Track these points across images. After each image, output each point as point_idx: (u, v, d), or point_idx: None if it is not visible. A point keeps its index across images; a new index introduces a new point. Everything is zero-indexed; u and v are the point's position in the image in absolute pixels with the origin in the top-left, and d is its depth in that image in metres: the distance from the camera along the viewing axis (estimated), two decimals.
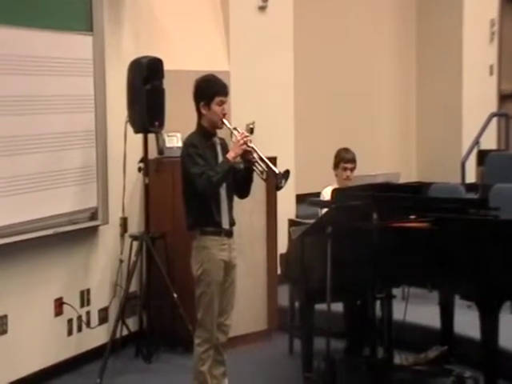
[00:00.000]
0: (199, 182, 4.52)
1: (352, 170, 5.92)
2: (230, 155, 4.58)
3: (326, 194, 5.77)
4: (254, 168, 4.64)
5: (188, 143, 4.71)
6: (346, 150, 6.00)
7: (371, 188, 5.23)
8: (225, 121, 4.68)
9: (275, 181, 4.57)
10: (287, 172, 4.58)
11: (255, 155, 4.60)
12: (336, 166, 5.96)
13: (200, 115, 4.72)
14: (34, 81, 5.22)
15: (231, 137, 4.71)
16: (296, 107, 7.33)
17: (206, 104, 4.66)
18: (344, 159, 5.92)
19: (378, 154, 8.74)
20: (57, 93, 5.41)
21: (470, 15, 9.19)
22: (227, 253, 4.72)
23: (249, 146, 4.59)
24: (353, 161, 5.94)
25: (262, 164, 4.60)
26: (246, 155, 4.61)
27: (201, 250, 4.68)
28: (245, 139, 4.57)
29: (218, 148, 4.75)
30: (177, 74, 5.98)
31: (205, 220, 4.66)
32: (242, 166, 4.69)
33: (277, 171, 4.56)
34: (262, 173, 4.65)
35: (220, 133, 4.81)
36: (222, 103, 4.66)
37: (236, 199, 4.83)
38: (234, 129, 4.68)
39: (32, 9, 5.19)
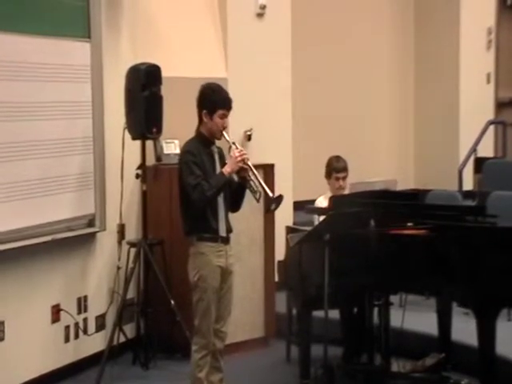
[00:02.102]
0: (193, 194, 4.54)
1: (344, 178, 5.84)
2: (226, 170, 4.60)
3: (320, 203, 5.77)
4: (248, 187, 4.64)
5: (186, 150, 4.73)
6: (337, 158, 5.91)
7: (369, 195, 5.23)
8: (224, 133, 4.69)
9: (267, 203, 4.58)
10: (280, 197, 4.59)
11: (251, 174, 4.61)
12: (328, 175, 5.89)
13: (201, 121, 4.73)
14: (32, 87, 5.22)
15: (229, 151, 4.72)
16: (294, 114, 7.34)
17: (208, 113, 4.66)
18: (336, 169, 5.83)
19: (375, 161, 8.75)
20: (54, 99, 5.41)
21: (467, 23, 9.20)
22: (224, 259, 4.72)
23: (246, 164, 4.60)
24: (344, 170, 5.85)
25: (256, 184, 4.60)
26: (242, 172, 4.62)
27: (197, 256, 4.68)
28: (243, 157, 4.58)
29: (216, 156, 4.76)
30: (175, 80, 5.98)
31: (201, 227, 4.67)
32: (236, 179, 4.70)
33: (270, 194, 4.57)
34: (255, 192, 4.64)
35: (218, 142, 4.81)
36: (223, 116, 4.67)
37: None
38: (233, 143, 4.69)
39: (30, 15, 5.19)
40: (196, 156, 4.62)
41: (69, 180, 5.55)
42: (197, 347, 4.70)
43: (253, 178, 4.61)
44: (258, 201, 4.69)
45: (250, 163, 4.61)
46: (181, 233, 4.81)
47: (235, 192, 4.73)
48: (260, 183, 4.60)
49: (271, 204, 4.60)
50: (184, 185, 4.61)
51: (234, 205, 4.82)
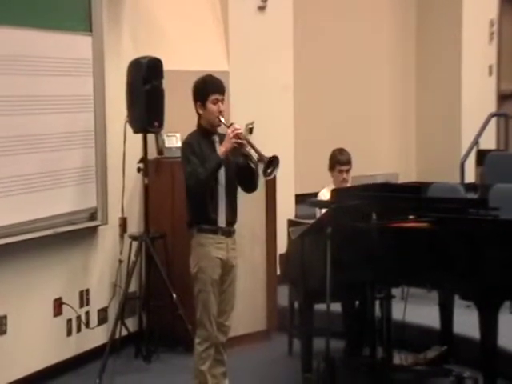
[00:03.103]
0: (189, 181, 4.56)
1: (348, 171, 5.82)
2: (221, 150, 4.59)
3: (323, 196, 5.75)
4: (249, 161, 4.62)
5: (184, 142, 4.76)
6: (341, 151, 5.89)
7: (370, 188, 5.23)
8: (221, 118, 4.67)
9: (264, 168, 4.53)
10: (275, 158, 4.50)
11: (248, 149, 4.57)
12: (331, 168, 5.87)
13: (199, 116, 4.73)
14: (33, 81, 5.21)
15: None
16: (295, 107, 7.33)
17: (201, 104, 4.68)
18: (339, 162, 5.81)
19: (377, 155, 8.74)
20: (56, 93, 5.40)
21: (469, 15, 9.17)
22: (224, 252, 4.71)
23: (241, 139, 4.57)
24: (348, 162, 5.83)
25: (254, 154, 4.57)
26: (241, 149, 4.60)
27: (197, 247, 4.69)
28: (235, 132, 4.56)
29: (217, 145, 4.74)
30: (176, 74, 5.98)
31: (201, 218, 4.67)
32: (241, 160, 4.66)
33: (266, 157, 4.51)
34: (256, 163, 4.60)
35: (221, 130, 4.79)
36: (216, 101, 4.65)
37: (240, 197, 4.82)
38: (231, 125, 4.67)
39: (31, 9, 5.19)
40: (194, 146, 4.63)
41: (70, 174, 5.55)
42: (200, 340, 4.70)
43: (250, 151, 4.57)
44: (256, 168, 4.61)
45: (246, 137, 4.59)
46: (182, 226, 4.82)
47: (245, 172, 4.68)
48: (256, 150, 4.54)
49: (267, 168, 4.52)
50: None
51: (250, 184, 4.76)
